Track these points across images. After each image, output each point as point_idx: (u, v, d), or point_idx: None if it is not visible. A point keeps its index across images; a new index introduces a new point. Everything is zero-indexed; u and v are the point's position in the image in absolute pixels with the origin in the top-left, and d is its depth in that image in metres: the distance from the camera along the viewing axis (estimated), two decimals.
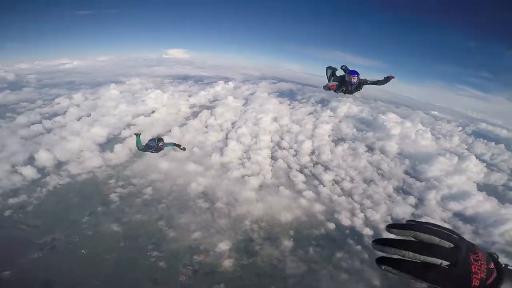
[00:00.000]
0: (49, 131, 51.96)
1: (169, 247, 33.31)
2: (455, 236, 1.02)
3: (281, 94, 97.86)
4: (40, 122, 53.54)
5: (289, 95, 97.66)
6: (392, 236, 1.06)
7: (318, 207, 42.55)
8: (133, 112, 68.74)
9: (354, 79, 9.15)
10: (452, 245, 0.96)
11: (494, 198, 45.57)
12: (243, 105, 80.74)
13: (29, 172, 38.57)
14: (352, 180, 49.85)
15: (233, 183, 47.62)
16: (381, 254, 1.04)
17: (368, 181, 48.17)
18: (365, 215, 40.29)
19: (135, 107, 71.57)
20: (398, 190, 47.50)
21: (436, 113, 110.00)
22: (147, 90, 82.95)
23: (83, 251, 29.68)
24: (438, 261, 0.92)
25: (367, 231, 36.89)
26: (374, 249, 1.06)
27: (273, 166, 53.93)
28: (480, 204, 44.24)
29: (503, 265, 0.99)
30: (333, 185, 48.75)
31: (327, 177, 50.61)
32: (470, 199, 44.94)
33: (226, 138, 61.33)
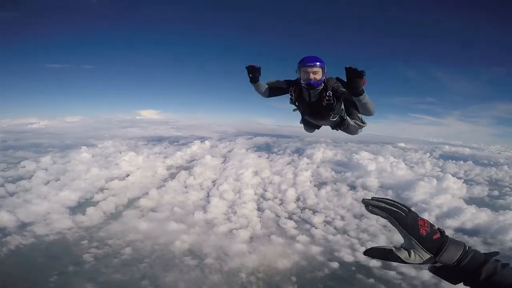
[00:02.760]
0: (12, 194, 46.99)
1: None
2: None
3: (258, 148, 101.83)
4: (3, 185, 48.51)
5: (266, 149, 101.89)
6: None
7: (315, 249, 40.54)
8: (106, 176, 65.28)
9: (313, 73, 3.68)
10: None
11: (486, 208, 47.44)
12: (222, 163, 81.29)
13: None
14: (342, 218, 49.64)
15: (221, 238, 44.59)
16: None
17: (359, 216, 48.20)
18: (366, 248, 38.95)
19: (109, 171, 68.34)
20: None
21: (402, 144, 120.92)
22: (120, 153, 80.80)
23: None
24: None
25: (374, 263, 35.17)
26: None
27: (260, 217, 52.40)
28: (476, 216, 45.60)
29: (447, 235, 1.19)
30: (325, 226, 47.83)
31: (317, 219, 49.92)
32: (464, 213, 46.36)
33: (208, 196, 59.93)
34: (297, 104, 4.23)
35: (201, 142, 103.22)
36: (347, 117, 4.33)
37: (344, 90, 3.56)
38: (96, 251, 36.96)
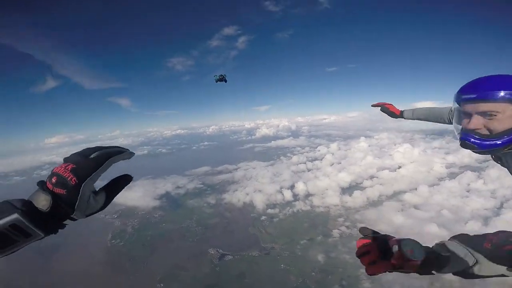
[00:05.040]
0: (309, 170, 66.50)
1: None
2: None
3: None
4: (305, 163, 70.47)
5: None
6: None
7: None
8: (378, 165, 68.93)
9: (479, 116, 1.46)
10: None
11: None
12: None
13: (287, 195, 51.18)
14: None
15: None
16: None
17: None
18: None
19: (381, 161, 71.41)
20: None
21: None
22: (395, 144, 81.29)
23: (281, 265, 33.06)
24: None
25: None
26: None
27: None
28: None
29: None
30: None
31: None
32: None
33: (501, 207, 41.85)
34: None
35: None
36: None
37: None
38: (344, 229, 41.70)
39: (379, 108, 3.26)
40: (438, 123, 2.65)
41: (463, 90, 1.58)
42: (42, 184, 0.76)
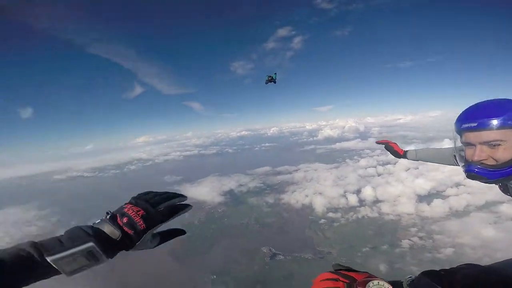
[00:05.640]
0: (379, 174, 60.71)
1: None
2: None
3: None
4: (375, 167, 64.42)
5: None
6: None
7: None
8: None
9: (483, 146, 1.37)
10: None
11: None
12: None
13: (352, 199, 47.69)
14: None
15: None
16: None
17: None
18: None
19: None
20: None
21: None
22: None
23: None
24: None
25: None
26: None
27: None
28: None
29: None
30: None
31: None
32: None
33: None
34: None
35: None
36: None
37: None
38: (416, 240, 37.03)
39: (383, 145, 3.25)
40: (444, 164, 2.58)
41: (462, 119, 1.50)
42: (113, 220, 0.90)
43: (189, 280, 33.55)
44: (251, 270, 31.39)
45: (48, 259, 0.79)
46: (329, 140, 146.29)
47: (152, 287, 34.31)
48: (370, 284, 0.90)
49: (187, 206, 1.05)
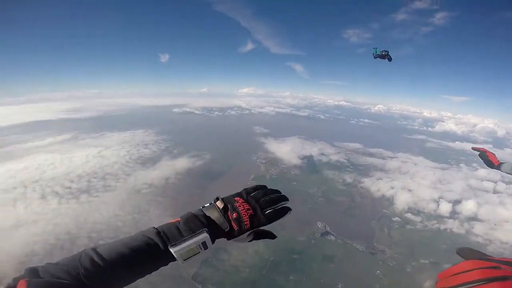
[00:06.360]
0: (495, 192, 47.10)
1: None
2: None
3: None
4: (495, 182, 49.97)
5: None
6: None
7: None
8: None
9: None
10: None
11: None
12: None
13: (444, 207, 39.46)
14: None
15: None
16: None
17: None
18: None
19: None
20: None
21: None
22: None
23: (377, 271, 26.61)
24: None
25: None
26: None
27: None
28: None
29: None
30: None
31: None
32: None
33: None
34: None
35: None
36: None
37: None
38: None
39: (478, 153, 3.23)
40: None
41: None
42: (225, 211, 0.97)
43: None
44: (294, 240, 30.74)
45: (172, 249, 0.84)
46: (448, 135, 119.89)
47: None
48: None
49: (288, 211, 1.08)
